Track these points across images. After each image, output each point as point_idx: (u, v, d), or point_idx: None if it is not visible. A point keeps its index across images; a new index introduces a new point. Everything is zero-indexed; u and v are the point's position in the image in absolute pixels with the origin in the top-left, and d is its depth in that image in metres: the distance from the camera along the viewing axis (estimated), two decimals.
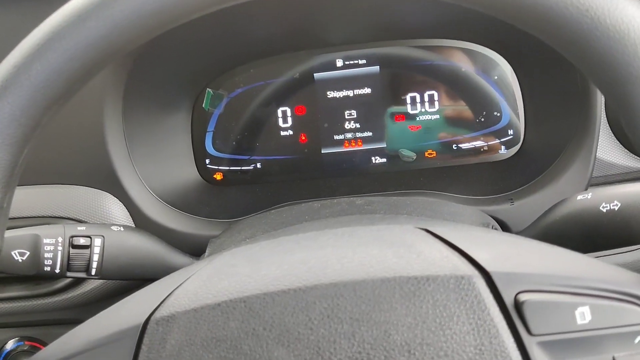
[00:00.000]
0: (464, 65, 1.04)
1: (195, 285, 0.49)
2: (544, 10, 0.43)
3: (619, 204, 0.61)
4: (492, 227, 0.75)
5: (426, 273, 0.44)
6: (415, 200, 0.80)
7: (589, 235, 0.63)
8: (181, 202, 1.00)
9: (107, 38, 0.46)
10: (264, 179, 1.09)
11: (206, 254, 0.79)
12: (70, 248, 0.72)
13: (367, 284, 0.44)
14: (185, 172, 1.07)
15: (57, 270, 0.72)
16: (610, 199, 0.62)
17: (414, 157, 1.06)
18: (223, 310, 0.45)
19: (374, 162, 1.08)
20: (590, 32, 0.42)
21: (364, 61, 1.06)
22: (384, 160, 1.07)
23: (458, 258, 0.46)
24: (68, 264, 0.72)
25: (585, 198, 0.64)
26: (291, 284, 0.46)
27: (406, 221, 0.63)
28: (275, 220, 0.77)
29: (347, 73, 1.06)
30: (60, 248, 0.71)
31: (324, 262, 0.47)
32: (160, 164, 1.01)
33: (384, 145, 1.07)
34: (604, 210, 0.62)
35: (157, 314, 0.46)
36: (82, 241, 0.72)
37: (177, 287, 0.49)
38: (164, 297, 0.48)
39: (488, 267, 0.44)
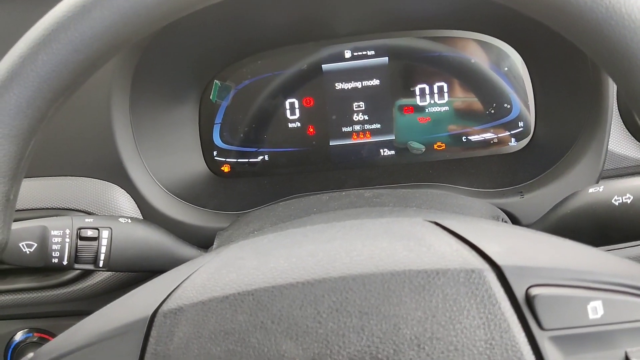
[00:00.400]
0: (474, 56, 1.03)
1: (203, 278, 0.49)
2: None
3: (632, 197, 0.61)
4: (502, 220, 0.75)
5: (436, 266, 0.44)
6: (424, 192, 0.79)
7: (601, 228, 0.62)
8: (189, 195, 1.00)
9: (113, 29, 0.45)
10: (271, 171, 1.09)
11: (214, 246, 0.79)
12: (78, 240, 0.72)
13: (377, 278, 0.44)
14: (192, 164, 1.07)
15: (65, 262, 0.72)
16: (622, 192, 0.61)
17: (423, 150, 1.06)
18: (231, 303, 0.45)
19: (382, 154, 1.07)
20: (604, 21, 0.41)
21: (372, 52, 1.05)
22: (393, 152, 1.07)
23: (468, 251, 0.45)
24: (76, 255, 0.72)
25: (597, 191, 0.63)
26: (299, 277, 0.45)
27: (415, 214, 0.62)
28: (283, 212, 0.76)
29: (355, 64, 1.05)
30: (67, 240, 0.71)
31: (333, 255, 0.47)
32: (167, 156, 1.01)
33: (392, 137, 1.06)
34: (617, 203, 0.61)
35: (165, 307, 0.46)
36: (89, 233, 0.72)
37: (185, 280, 0.49)
38: (172, 290, 0.48)
39: (499, 261, 0.43)
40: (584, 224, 0.63)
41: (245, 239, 0.63)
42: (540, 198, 0.89)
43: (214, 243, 0.79)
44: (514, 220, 0.89)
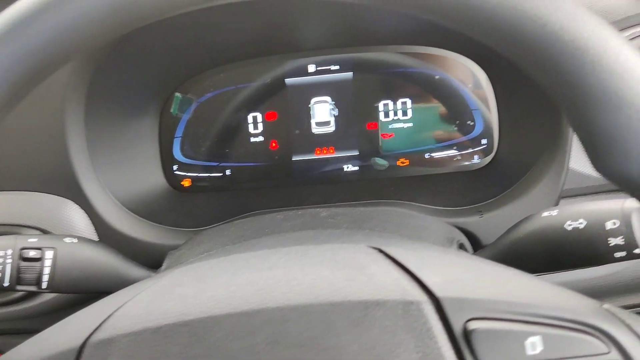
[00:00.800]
0: (438, 72, 1.02)
1: (139, 307, 0.47)
2: (501, 23, 0.41)
3: (585, 223, 0.60)
4: (457, 242, 0.73)
5: (375, 297, 0.42)
6: (382, 212, 0.78)
7: (553, 253, 0.61)
8: (146, 210, 0.97)
9: (54, 43, 0.43)
10: (233, 186, 1.07)
11: (163, 267, 0.77)
12: (21, 261, 0.69)
13: (315, 308, 0.43)
14: (151, 178, 1.04)
15: (6, 284, 0.69)
16: (575, 217, 0.60)
17: (386, 166, 1.05)
18: (164, 335, 0.43)
19: (345, 170, 1.06)
20: (548, 48, 0.40)
21: (336, 67, 1.04)
22: (356, 168, 1.05)
23: (408, 282, 0.44)
24: (18, 277, 0.69)
25: (551, 215, 0.63)
26: (237, 307, 0.44)
27: (364, 239, 0.61)
28: (235, 233, 0.75)
29: (319, 79, 1.04)
30: (9, 261, 0.69)
31: (273, 284, 0.46)
32: (125, 170, 0.98)
33: (356, 152, 1.05)
34: (569, 228, 0.60)
35: (96, 337, 0.44)
36: (32, 254, 0.69)
37: (120, 308, 0.47)
38: (105, 318, 0.46)
39: (438, 292, 0.42)
40: (536, 249, 0.62)
41: (189, 263, 0.62)
42: (500, 218, 0.88)
43: (164, 264, 0.77)
44: (474, 240, 0.88)
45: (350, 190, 1.02)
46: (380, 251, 0.49)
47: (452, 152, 1.03)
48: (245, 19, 0.97)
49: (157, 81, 1.03)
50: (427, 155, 1.04)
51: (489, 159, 1.02)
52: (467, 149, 1.03)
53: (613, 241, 0.58)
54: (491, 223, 0.88)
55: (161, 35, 0.94)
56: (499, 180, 0.95)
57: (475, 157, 1.03)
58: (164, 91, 1.05)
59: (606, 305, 0.43)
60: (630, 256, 0.58)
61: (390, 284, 0.44)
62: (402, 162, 1.05)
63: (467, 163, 1.03)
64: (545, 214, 0.63)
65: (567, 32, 0.39)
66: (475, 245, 0.88)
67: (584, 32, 0.39)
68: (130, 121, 1.01)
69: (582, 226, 0.60)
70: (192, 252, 0.74)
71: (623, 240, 0.58)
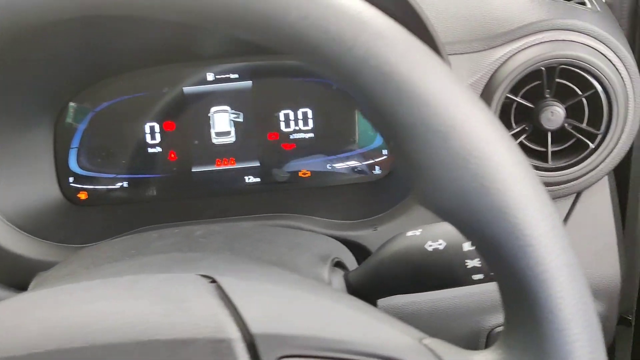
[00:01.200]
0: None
1: None
2: (309, 46, 0.39)
3: (444, 243, 0.58)
4: (333, 260, 0.71)
5: (186, 336, 0.40)
6: (258, 229, 0.76)
7: (416, 274, 0.60)
8: (36, 225, 0.93)
9: None
10: (130, 198, 1.03)
11: (29, 288, 0.73)
12: None
13: (123, 348, 0.40)
14: (45, 192, 1.00)
15: None
16: (436, 238, 0.59)
17: (288, 177, 1.02)
18: None
19: (247, 181, 1.03)
20: (355, 73, 0.38)
21: (236, 76, 1.01)
22: (258, 179, 1.03)
23: (227, 317, 0.41)
24: None
25: (414, 235, 0.61)
26: (43, 345, 0.41)
27: (209, 265, 0.58)
28: (105, 253, 0.71)
29: (218, 87, 1.01)
30: None
31: (87, 320, 0.43)
32: (12, 184, 0.94)
33: (257, 164, 1.03)
34: (430, 249, 0.59)
35: None
36: None
37: None
38: None
39: (253, 328, 0.40)
40: (401, 269, 0.61)
41: (54, 283, 0.59)
42: (392, 231, 0.85)
43: (30, 285, 0.74)
44: (367, 255, 0.86)
45: (250, 203, 0.99)
46: (213, 281, 0.47)
47: (353, 162, 1.02)
48: (142, 27, 0.94)
49: (48, 91, 0.98)
50: (328, 167, 1.02)
51: (387, 171, 1.00)
52: (368, 160, 1.01)
53: (470, 263, 0.57)
54: (384, 236, 0.85)
55: (48, 43, 0.90)
56: (395, 192, 0.93)
57: (377, 167, 1.01)
58: (58, 101, 1.01)
59: (427, 340, 0.41)
60: (488, 279, 0.57)
61: (205, 320, 0.41)
62: (304, 174, 1.02)
63: (368, 174, 1.01)
64: (410, 233, 0.62)
65: (373, 57, 0.38)
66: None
67: (390, 56, 0.38)
68: (20, 133, 0.96)
69: (441, 247, 0.58)
70: (59, 273, 0.70)
71: (480, 262, 0.56)
